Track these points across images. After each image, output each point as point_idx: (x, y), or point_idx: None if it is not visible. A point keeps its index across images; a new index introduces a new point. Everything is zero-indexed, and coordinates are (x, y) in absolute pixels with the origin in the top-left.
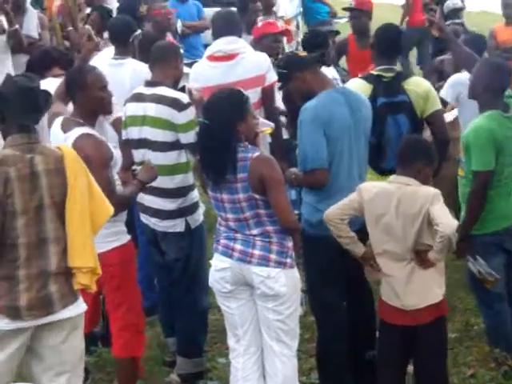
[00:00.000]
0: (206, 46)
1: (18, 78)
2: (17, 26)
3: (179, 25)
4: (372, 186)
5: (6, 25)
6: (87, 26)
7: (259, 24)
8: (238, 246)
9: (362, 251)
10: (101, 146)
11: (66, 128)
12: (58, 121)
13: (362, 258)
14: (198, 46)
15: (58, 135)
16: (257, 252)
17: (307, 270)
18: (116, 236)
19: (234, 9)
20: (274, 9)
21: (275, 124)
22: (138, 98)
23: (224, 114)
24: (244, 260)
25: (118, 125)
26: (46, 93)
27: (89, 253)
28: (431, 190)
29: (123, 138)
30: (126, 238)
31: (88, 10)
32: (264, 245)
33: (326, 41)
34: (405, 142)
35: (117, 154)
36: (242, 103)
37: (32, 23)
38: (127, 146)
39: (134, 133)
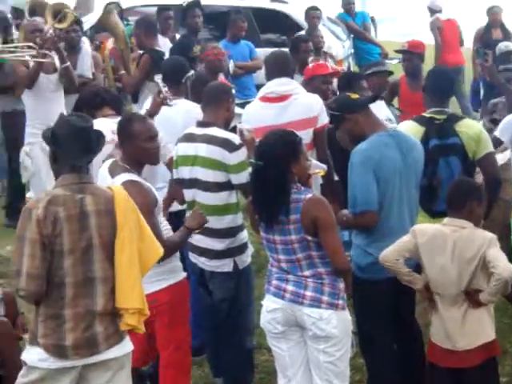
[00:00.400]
0: (257, 86)
1: (72, 117)
2: (68, 64)
3: (231, 65)
4: (426, 229)
5: (57, 63)
6: (157, 80)
7: (310, 65)
8: (290, 287)
9: (421, 284)
10: (145, 193)
11: (113, 172)
12: (107, 163)
13: (422, 290)
14: (249, 86)
15: (106, 178)
16: (309, 293)
17: (358, 313)
18: (170, 274)
19: (286, 49)
20: (325, 49)
21: (327, 166)
22: (190, 138)
23: (277, 155)
24: (296, 301)
25: (171, 165)
26: (99, 133)
27: (137, 294)
28: (488, 234)
29: (174, 177)
30: (181, 275)
31: (140, 52)
32: (316, 286)
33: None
34: (454, 183)
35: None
36: (296, 144)
37: (86, 63)
38: (178, 185)
39: (184, 172)
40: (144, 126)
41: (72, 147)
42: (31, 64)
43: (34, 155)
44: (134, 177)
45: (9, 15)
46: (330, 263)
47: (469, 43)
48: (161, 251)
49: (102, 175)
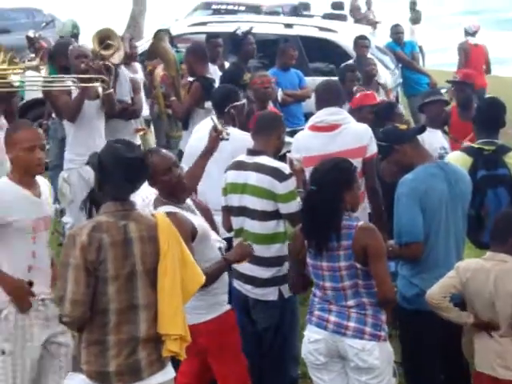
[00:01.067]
0: (305, 115)
1: (119, 146)
2: (111, 90)
3: (280, 93)
4: (469, 265)
5: (100, 90)
6: (213, 117)
7: (357, 95)
8: (333, 318)
9: (471, 319)
10: (183, 224)
11: (155, 206)
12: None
13: (475, 325)
14: (298, 114)
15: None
16: (352, 324)
17: (403, 344)
18: (213, 307)
19: (335, 78)
20: (375, 78)
21: (376, 195)
22: (240, 165)
23: (331, 181)
24: (338, 332)
25: None
26: (144, 163)
27: (179, 320)
28: None
29: (223, 204)
30: (225, 308)
31: (190, 79)
32: (359, 317)
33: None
34: (499, 216)
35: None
36: (350, 172)
37: (125, 88)
38: (227, 212)
39: (233, 200)
40: (159, 159)
41: (118, 177)
42: (74, 93)
43: (72, 182)
44: (171, 208)
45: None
46: (377, 292)
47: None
48: (202, 279)
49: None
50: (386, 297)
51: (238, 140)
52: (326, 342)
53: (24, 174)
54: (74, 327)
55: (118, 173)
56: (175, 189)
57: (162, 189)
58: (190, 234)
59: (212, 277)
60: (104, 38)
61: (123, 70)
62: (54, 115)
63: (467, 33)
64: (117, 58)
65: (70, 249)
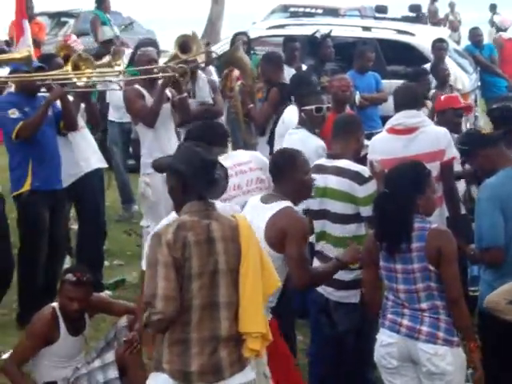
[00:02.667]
0: (382, 117)
1: (198, 149)
2: (185, 95)
3: (357, 96)
4: None
5: (169, 93)
6: None
7: (442, 97)
8: (406, 322)
9: None
10: (301, 221)
11: (266, 200)
12: (257, 196)
13: None
14: (374, 117)
15: (256, 206)
16: (425, 328)
17: (483, 349)
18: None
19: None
20: (452, 82)
21: (453, 199)
22: (320, 169)
23: (404, 185)
24: (411, 336)
25: None
26: (223, 167)
27: (260, 318)
28: None
29: (302, 207)
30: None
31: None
32: (432, 321)
33: None
34: None
35: None
36: (424, 177)
37: (205, 90)
38: (307, 215)
39: (314, 203)
40: (305, 161)
41: (201, 179)
42: (146, 95)
43: (154, 185)
44: (291, 204)
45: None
46: (446, 294)
47: None
48: (279, 283)
49: (251, 203)
50: (453, 295)
51: (306, 142)
52: (399, 345)
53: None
54: (163, 326)
55: (201, 175)
56: (306, 190)
57: (293, 187)
58: (306, 234)
59: (326, 275)
60: (185, 43)
61: (200, 73)
62: (110, 117)
63: (499, 28)
64: (199, 60)
65: (156, 248)
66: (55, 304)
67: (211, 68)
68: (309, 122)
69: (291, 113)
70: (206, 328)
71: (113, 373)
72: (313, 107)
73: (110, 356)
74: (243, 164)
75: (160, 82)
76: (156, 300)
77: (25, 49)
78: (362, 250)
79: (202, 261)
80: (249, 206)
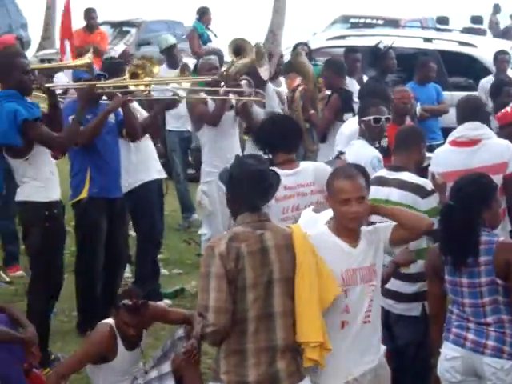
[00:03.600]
0: (443, 129)
1: (249, 160)
2: (245, 100)
3: (418, 108)
4: None
5: (233, 101)
6: None
7: (508, 109)
8: (471, 336)
9: None
10: None
11: (317, 210)
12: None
13: None
14: (435, 129)
15: (309, 215)
16: (490, 343)
17: None
18: None
19: (474, 93)
20: None
21: None
22: (381, 181)
23: (470, 198)
24: (476, 350)
25: None
26: (275, 175)
27: (317, 327)
28: None
29: None
30: None
31: (328, 92)
32: (498, 336)
33: None
34: None
35: None
36: (490, 189)
37: (274, 101)
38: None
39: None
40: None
41: (250, 190)
42: (209, 101)
43: (211, 194)
44: None
45: None
46: None
47: None
48: (338, 290)
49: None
50: None
51: (365, 154)
52: (463, 359)
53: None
54: (217, 338)
55: (249, 186)
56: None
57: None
58: None
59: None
60: (237, 47)
61: (269, 84)
62: (168, 127)
63: None
64: (266, 73)
65: (209, 259)
66: (112, 322)
67: (281, 79)
68: (367, 133)
69: (349, 123)
70: (262, 339)
71: (169, 383)
72: (371, 118)
73: (166, 367)
74: (306, 186)
75: (222, 88)
76: (208, 312)
77: (86, 56)
78: (424, 264)
79: (256, 272)
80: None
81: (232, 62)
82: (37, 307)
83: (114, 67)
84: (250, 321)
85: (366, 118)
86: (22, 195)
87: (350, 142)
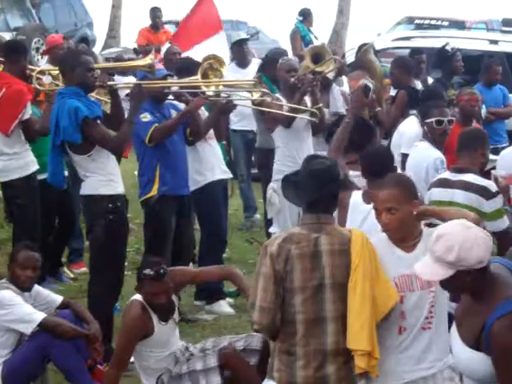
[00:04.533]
0: (508, 132)
1: (314, 159)
2: (321, 105)
3: (484, 110)
4: None
5: (309, 103)
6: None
7: None
8: None
9: None
10: None
11: (367, 200)
12: (358, 193)
13: None
14: (500, 132)
15: (359, 206)
16: None
17: None
18: None
19: None
20: None
21: None
22: (445, 183)
23: None
24: None
25: None
26: (336, 175)
27: (366, 335)
28: None
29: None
30: None
31: (392, 94)
32: None
33: None
34: None
35: None
36: None
37: (338, 99)
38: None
39: None
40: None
41: (306, 187)
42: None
43: (281, 192)
44: None
45: None
46: None
47: None
48: (395, 299)
49: (354, 204)
50: None
51: (427, 156)
52: None
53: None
54: (265, 335)
55: (307, 183)
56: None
57: None
58: None
59: None
60: (317, 54)
61: (334, 85)
62: (233, 126)
63: None
64: (331, 74)
65: (262, 258)
66: (139, 297)
67: (343, 78)
68: (430, 135)
69: (407, 124)
70: (312, 342)
71: (215, 379)
72: (433, 120)
73: (212, 360)
74: None
75: (299, 91)
76: (254, 310)
77: (148, 57)
78: None
79: (305, 275)
80: (352, 206)
81: (307, 67)
82: (98, 300)
83: (186, 67)
84: (298, 323)
85: (428, 120)
86: (86, 189)
87: (414, 144)
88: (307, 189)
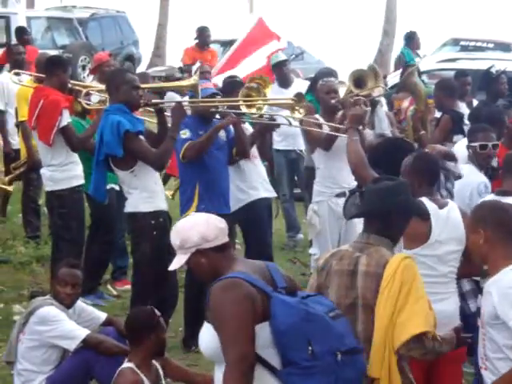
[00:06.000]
0: None
1: (379, 184)
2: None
3: None
4: None
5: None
6: None
7: None
8: None
9: None
10: None
11: (439, 204)
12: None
13: None
14: None
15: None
16: None
17: None
18: None
19: None
20: None
21: None
22: None
23: None
24: None
25: None
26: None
27: (376, 361)
28: None
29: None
30: None
31: (437, 115)
32: None
33: None
34: None
35: None
36: None
37: (384, 121)
38: None
39: None
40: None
41: (369, 199)
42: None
43: (321, 214)
44: None
45: None
46: None
47: None
48: (417, 331)
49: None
50: None
51: (471, 180)
52: None
53: None
54: None
55: (373, 197)
56: None
57: None
58: None
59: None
60: (360, 78)
61: (380, 105)
62: (276, 146)
63: None
64: (376, 93)
65: (314, 271)
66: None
67: (382, 99)
68: (474, 159)
69: (459, 147)
70: None
71: None
72: (477, 144)
73: None
74: None
75: (339, 113)
76: None
77: (192, 77)
78: None
79: (340, 292)
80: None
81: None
82: None
83: (231, 86)
84: None
85: (472, 144)
86: (129, 206)
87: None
88: (368, 199)
